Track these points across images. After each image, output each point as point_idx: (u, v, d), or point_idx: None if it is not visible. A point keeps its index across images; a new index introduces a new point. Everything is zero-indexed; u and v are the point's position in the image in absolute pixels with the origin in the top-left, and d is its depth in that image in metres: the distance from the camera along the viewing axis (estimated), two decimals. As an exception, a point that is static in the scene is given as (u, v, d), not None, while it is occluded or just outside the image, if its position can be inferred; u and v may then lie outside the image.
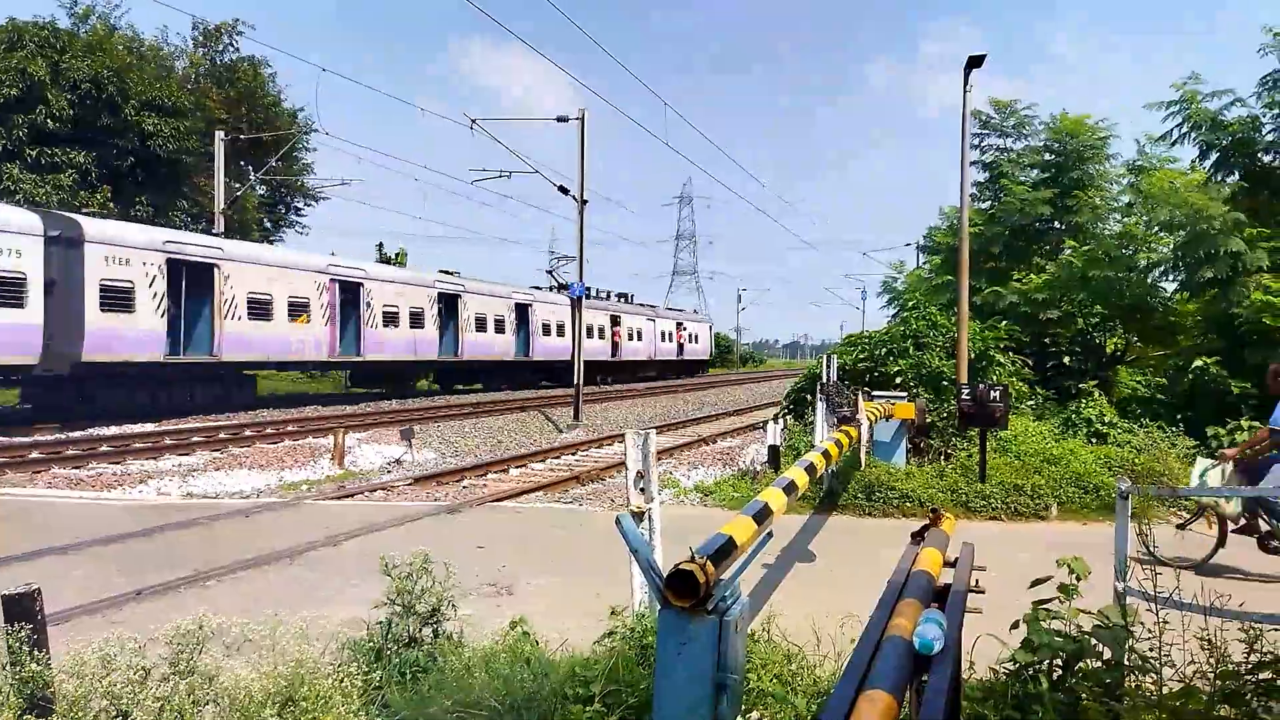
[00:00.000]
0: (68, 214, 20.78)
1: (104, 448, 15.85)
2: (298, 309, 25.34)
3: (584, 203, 24.24)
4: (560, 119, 24.26)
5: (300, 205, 45.58)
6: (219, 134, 29.99)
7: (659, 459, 15.67)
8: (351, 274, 27.79)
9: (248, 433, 18.56)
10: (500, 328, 36.01)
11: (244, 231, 35.36)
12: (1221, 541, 8.01)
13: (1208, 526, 8.39)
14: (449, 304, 32.99)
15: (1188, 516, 8.71)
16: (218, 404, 23.57)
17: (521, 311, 37.71)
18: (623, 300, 50.05)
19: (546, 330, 39.65)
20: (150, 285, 20.89)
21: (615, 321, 46.09)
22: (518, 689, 3.78)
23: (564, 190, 24.49)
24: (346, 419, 21.11)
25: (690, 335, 58.70)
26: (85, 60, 31.16)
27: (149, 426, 19.35)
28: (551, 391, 35.36)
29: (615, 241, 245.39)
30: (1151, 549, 7.80)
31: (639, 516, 4.73)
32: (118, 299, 20.03)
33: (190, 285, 22.31)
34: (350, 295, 27.67)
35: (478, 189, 49.55)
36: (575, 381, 24.20)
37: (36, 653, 2.90)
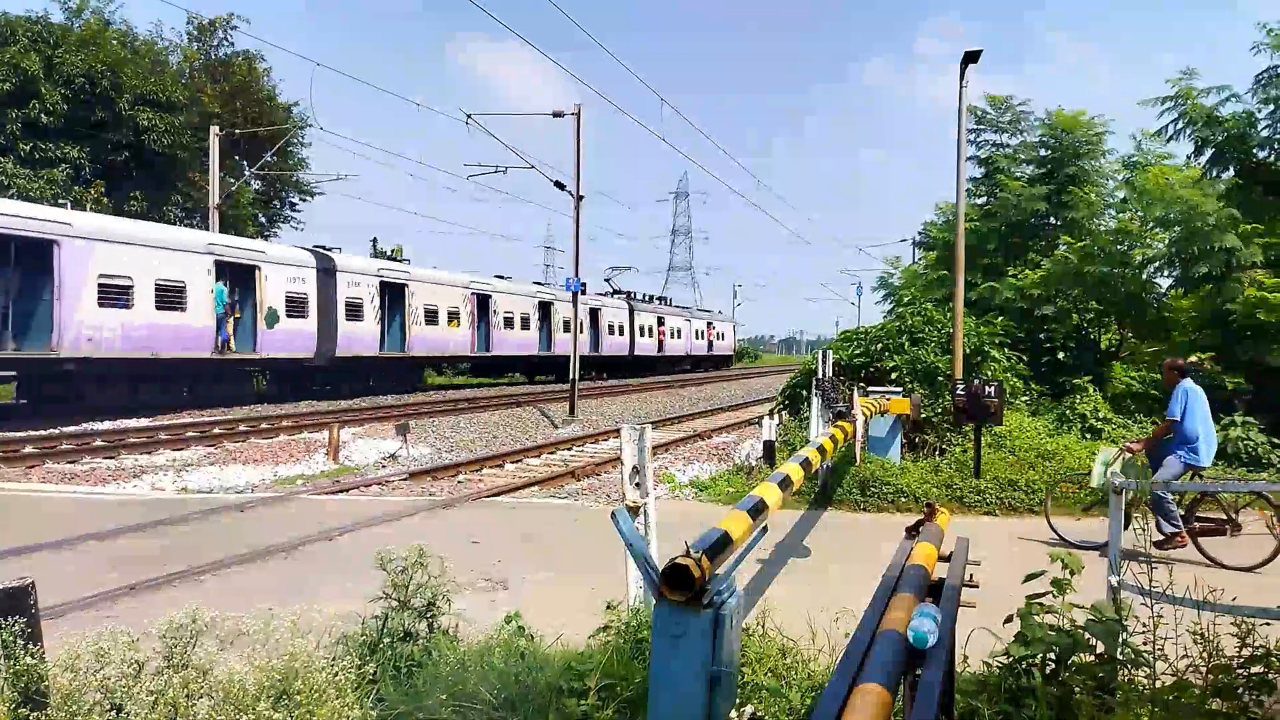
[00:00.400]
0: (325, 250, 27.35)
1: (98, 443, 15.80)
2: (453, 316, 32.32)
3: (580, 198, 24.22)
4: (556, 114, 24.24)
5: (295, 201, 45.45)
6: (214, 129, 29.89)
7: (655, 454, 15.67)
8: (483, 288, 34.80)
9: (242, 428, 18.53)
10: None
11: (238, 227, 35.22)
12: (1125, 524, 8.32)
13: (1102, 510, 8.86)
14: (544, 309, 39.40)
15: (1093, 503, 9.28)
16: (402, 387, 30.33)
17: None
18: (663, 303, 57.82)
19: (673, 334, 48.85)
20: (372, 301, 28.25)
21: (660, 322, 53.19)
22: (513, 683, 3.78)
23: (560, 186, 24.47)
24: (341, 414, 21.09)
25: (719, 333, 65.92)
26: (79, 55, 31.03)
27: (144, 421, 19.31)
28: (548, 387, 35.38)
29: (609, 236, 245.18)
30: (1062, 534, 8.47)
31: (634, 512, 4.73)
32: (354, 311, 27.43)
33: (392, 300, 29.64)
34: (483, 304, 34.54)
35: (474, 184, 50.94)
36: (570, 377, 24.20)
37: (30, 646, 2.90)
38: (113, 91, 31.64)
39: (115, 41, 34.56)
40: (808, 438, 10.91)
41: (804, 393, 14.99)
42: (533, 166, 25.80)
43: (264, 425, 18.99)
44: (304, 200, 45.56)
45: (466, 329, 33.15)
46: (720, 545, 3.03)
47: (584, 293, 27.10)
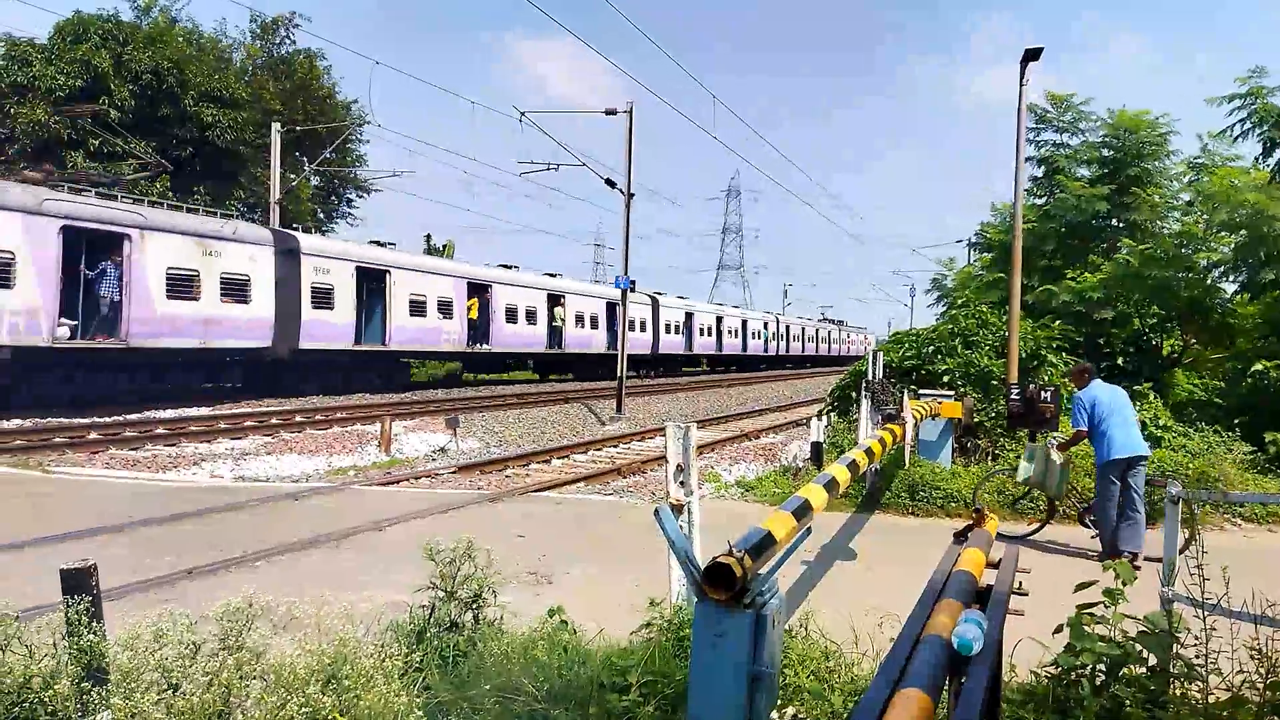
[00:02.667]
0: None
1: (160, 430, 16.28)
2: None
3: (630, 196, 24.28)
4: (609, 112, 24.31)
5: (352, 197, 46.28)
6: (275, 125, 30.56)
7: (701, 453, 15.67)
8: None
9: (298, 419, 18.93)
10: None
11: (298, 222, 35.97)
12: (1048, 518, 9.22)
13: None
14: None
15: (1019, 496, 10.13)
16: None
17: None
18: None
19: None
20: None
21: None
22: (555, 676, 3.82)
23: (611, 184, 24.56)
24: (393, 407, 21.42)
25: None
26: (146, 52, 31.94)
27: (204, 410, 19.83)
28: (595, 384, 35.49)
29: (659, 235, 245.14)
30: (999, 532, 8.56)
31: (678, 510, 4.74)
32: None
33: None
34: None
35: (524, 181, 50.93)
36: (619, 374, 24.28)
37: (93, 625, 3.01)
38: (178, 88, 32.53)
39: (181, 39, 35.53)
40: (856, 440, 10.80)
41: (854, 394, 14.85)
42: (584, 164, 25.93)
43: (319, 417, 19.38)
44: (361, 196, 46.38)
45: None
46: (763, 545, 3.03)
47: (633, 289, 27.10)
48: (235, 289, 21.92)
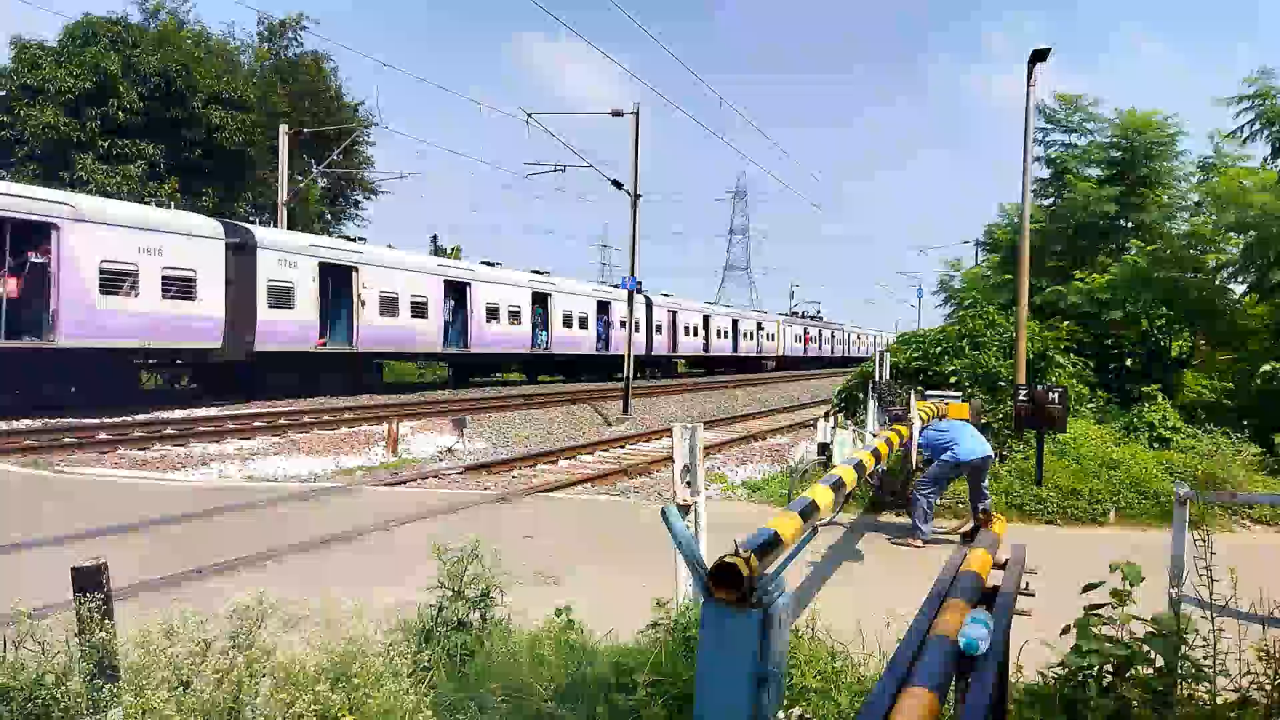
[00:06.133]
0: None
1: (169, 430, 16.35)
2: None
3: (637, 197, 24.30)
4: (615, 113, 24.34)
5: (360, 199, 46.44)
6: (283, 128, 30.66)
7: (708, 454, 15.67)
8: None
9: (306, 419, 18.99)
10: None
11: (306, 224, 36.08)
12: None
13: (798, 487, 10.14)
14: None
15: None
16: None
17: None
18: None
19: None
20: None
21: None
22: (563, 676, 3.84)
23: (618, 185, 24.58)
24: (401, 408, 21.46)
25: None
26: (155, 55, 32.09)
27: (213, 411, 19.90)
28: (602, 385, 35.46)
29: (664, 235, 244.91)
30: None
31: (685, 510, 4.75)
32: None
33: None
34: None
35: (531, 182, 50.95)
36: (625, 374, 24.28)
37: (104, 622, 3.03)
38: (187, 90, 32.66)
39: (189, 42, 35.69)
40: (864, 439, 10.78)
41: (861, 395, 14.82)
42: (591, 165, 25.98)
43: (326, 417, 19.44)
44: (368, 198, 46.53)
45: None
46: (770, 545, 3.03)
47: (639, 291, 27.06)
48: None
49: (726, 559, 2.60)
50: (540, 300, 35.15)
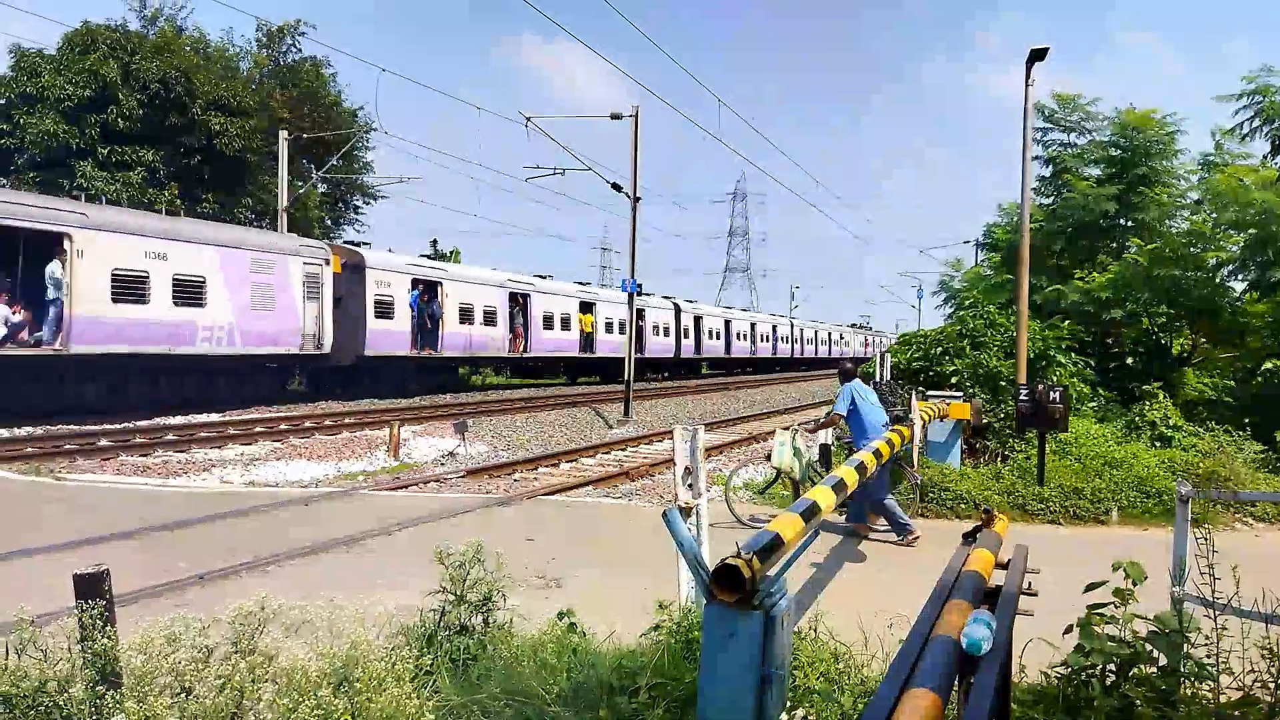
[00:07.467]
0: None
1: (170, 436, 16.34)
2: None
3: (637, 200, 24.31)
4: (614, 116, 24.35)
5: (359, 203, 46.42)
6: (282, 133, 30.66)
7: (709, 456, 15.67)
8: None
9: (307, 424, 18.98)
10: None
11: (306, 229, 36.08)
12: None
13: (782, 488, 10.92)
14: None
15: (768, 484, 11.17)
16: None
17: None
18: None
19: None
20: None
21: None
22: (565, 679, 3.83)
23: (617, 187, 24.61)
24: (402, 412, 21.46)
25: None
26: (154, 61, 32.05)
27: (214, 417, 19.90)
28: (603, 388, 35.48)
29: (663, 238, 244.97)
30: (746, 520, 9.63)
31: (686, 512, 4.75)
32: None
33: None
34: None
35: (531, 185, 50.90)
36: (626, 377, 24.28)
37: (106, 629, 3.03)
38: (186, 97, 32.63)
39: (188, 48, 35.64)
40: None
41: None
42: (590, 168, 25.98)
43: (328, 422, 19.43)
44: (368, 203, 46.51)
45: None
46: (772, 546, 3.03)
47: (640, 293, 27.10)
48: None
49: (728, 561, 2.60)
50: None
